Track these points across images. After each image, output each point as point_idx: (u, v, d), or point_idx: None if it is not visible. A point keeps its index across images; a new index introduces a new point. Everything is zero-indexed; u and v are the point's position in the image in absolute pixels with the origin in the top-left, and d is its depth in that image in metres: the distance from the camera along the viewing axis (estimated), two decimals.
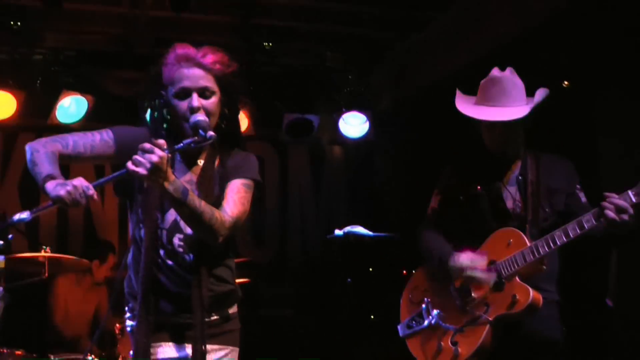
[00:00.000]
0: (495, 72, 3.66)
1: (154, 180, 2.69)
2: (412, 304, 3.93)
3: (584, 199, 3.60)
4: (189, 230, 2.94)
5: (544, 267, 3.48)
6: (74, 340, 6.26)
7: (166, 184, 2.71)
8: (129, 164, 2.65)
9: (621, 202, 3.21)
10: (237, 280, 3.16)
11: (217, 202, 2.93)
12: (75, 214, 7.17)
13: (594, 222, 3.29)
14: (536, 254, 3.43)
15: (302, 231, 7.89)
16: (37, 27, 6.21)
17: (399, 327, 3.96)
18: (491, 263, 3.59)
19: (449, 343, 3.65)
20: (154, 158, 2.64)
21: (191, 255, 2.95)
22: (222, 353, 3.01)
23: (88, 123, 6.40)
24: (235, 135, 3.13)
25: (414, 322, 3.88)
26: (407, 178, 7.15)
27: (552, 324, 3.60)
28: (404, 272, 6.25)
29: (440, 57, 6.25)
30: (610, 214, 3.21)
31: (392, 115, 7.27)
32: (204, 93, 2.94)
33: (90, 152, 2.95)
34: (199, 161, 3.04)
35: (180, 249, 2.95)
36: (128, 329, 3.05)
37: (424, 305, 3.84)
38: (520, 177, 3.68)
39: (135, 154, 2.66)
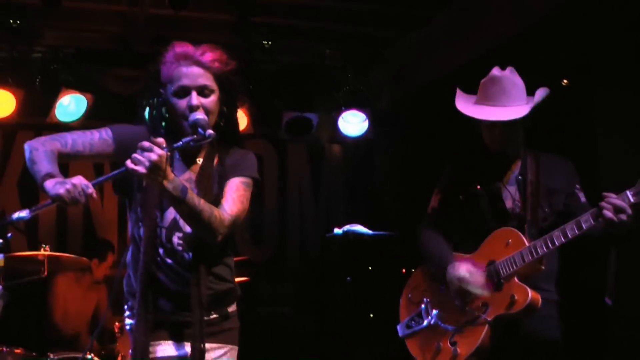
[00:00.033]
0: (496, 71, 3.65)
1: (153, 179, 2.69)
2: (412, 304, 3.93)
3: (583, 199, 3.59)
4: (188, 229, 2.94)
5: (543, 267, 3.48)
6: (74, 338, 6.26)
7: (165, 183, 2.71)
8: (128, 163, 2.65)
9: (619, 202, 3.21)
10: (237, 279, 3.16)
11: (216, 201, 2.93)
12: (75, 213, 7.17)
13: (592, 222, 3.28)
14: (535, 254, 3.43)
15: (302, 230, 7.89)
16: (36, 25, 6.20)
17: (398, 327, 3.96)
18: (490, 263, 3.59)
19: (448, 343, 3.65)
20: (153, 156, 2.64)
21: (190, 254, 2.95)
22: (221, 351, 3.01)
23: (87, 121, 6.39)
24: (234, 134, 3.13)
25: (413, 322, 3.88)
26: (407, 176, 7.15)
27: (551, 324, 3.60)
28: (404, 270, 6.25)
29: (439, 55, 6.25)
30: (608, 214, 3.21)
31: (392, 114, 7.27)
32: (203, 91, 2.94)
33: (89, 151, 2.95)
34: (197, 160, 3.04)
35: (180, 248, 2.95)
36: (127, 327, 3.05)
37: (423, 305, 3.84)
38: (519, 177, 3.67)
39: (134, 152, 2.66)
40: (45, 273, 5.29)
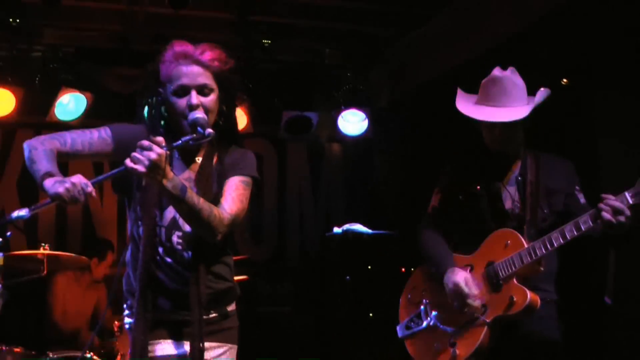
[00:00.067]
0: (497, 71, 3.65)
1: (153, 178, 2.69)
2: (411, 305, 3.93)
3: (582, 200, 3.59)
4: (187, 228, 2.94)
5: (542, 268, 3.48)
6: (73, 336, 6.26)
7: (165, 181, 2.71)
8: (128, 161, 2.65)
9: (618, 204, 3.21)
10: (236, 278, 3.16)
11: (216, 200, 2.93)
12: (74, 212, 7.16)
13: (590, 223, 3.28)
14: (533, 255, 3.43)
15: (301, 229, 7.89)
16: (36, 24, 6.20)
17: (397, 327, 3.96)
18: (489, 264, 3.59)
19: (447, 344, 3.65)
20: (153, 155, 2.64)
21: (189, 253, 2.95)
22: (220, 350, 3.01)
23: (87, 120, 6.39)
24: (233, 133, 3.13)
25: (412, 323, 3.88)
26: (406, 175, 7.15)
27: (550, 324, 3.60)
28: (403, 269, 6.26)
29: (439, 54, 6.24)
30: (607, 215, 3.20)
31: (392, 113, 7.27)
32: (202, 90, 2.94)
33: (88, 150, 2.95)
34: (197, 159, 3.04)
35: (179, 247, 2.96)
36: (126, 326, 3.05)
37: (422, 307, 3.84)
38: (519, 178, 3.67)
39: (133, 151, 2.66)
40: (45, 272, 5.28)
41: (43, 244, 5.37)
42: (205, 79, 2.95)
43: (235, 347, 3.08)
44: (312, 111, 7.12)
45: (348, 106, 7.00)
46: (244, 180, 3.01)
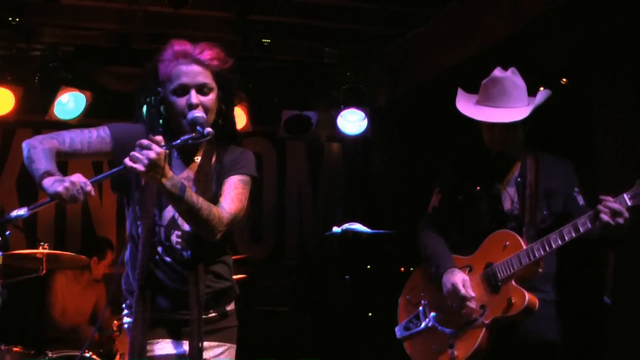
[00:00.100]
0: (497, 72, 3.64)
1: (152, 177, 2.69)
2: (410, 305, 3.93)
3: (581, 202, 3.59)
4: (186, 227, 2.94)
5: (540, 269, 3.48)
6: (73, 330, 6.25)
7: (164, 180, 2.72)
8: (127, 160, 2.65)
9: (616, 206, 3.21)
10: (234, 277, 3.16)
11: (215, 199, 2.94)
12: (74, 211, 7.16)
13: (589, 225, 3.28)
14: (532, 256, 3.43)
15: (300, 228, 7.88)
16: (35, 23, 6.20)
17: (396, 328, 3.96)
18: (487, 265, 3.60)
19: (446, 345, 3.65)
20: (152, 154, 2.64)
21: (189, 252, 2.95)
22: (219, 350, 3.02)
23: (86, 119, 6.39)
24: (232, 132, 3.13)
25: (411, 323, 3.88)
26: (405, 175, 7.15)
27: (549, 324, 3.60)
28: (402, 269, 6.26)
29: (438, 53, 6.25)
30: (605, 217, 3.20)
31: (391, 112, 7.27)
32: (202, 89, 2.94)
33: (87, 149, 2.95)
34: (196, 158, 3.04)
35: (178, 246, 2.95)
36: (125, 326, 3.05)
37: (421, 307, 3.84)
38: (519, 179, 3.67)
39: (132, 150, 2.66)
40: (44, 271, 5.28)
41: (42, 243, 5.37)
42: (205, 78, 2.95)
43: (234, 346, 3.08)
44: (311, 110, 7.12)
45: (347, 105, 7.00)
46: (243, 179, 3.01)
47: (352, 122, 7.14)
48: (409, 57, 6.71)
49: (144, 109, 3.01)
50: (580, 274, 4.91)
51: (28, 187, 6.65)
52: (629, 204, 3.21)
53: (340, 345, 6.81)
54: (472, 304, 3.55)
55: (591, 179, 4.67)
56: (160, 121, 2.99)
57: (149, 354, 2.92)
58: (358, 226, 4.86)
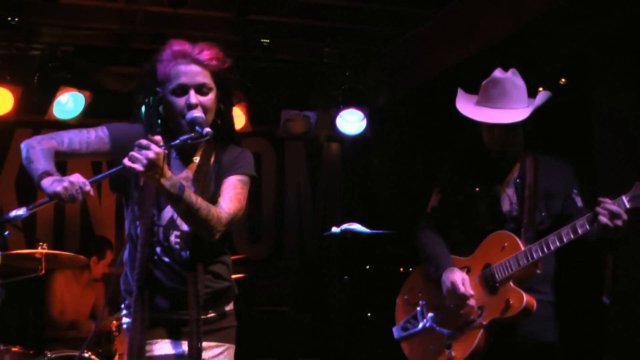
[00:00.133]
0: (498, 72, 3.64)
1: (151, 177, 2.69)
2: (408, 306, 3.93)
3: (580, 203, 3.59)
4: (185, 227, 2.94)
5: (538, 270, 3.48)
6: (71, 334, 6.25)
7: (162, 180, 2.71)
8: (126, 160, 2.65)
9: (615, 208, 3.20)
10: (233, 276, 3.16)
11: (213, 199, 2.93)
12: (72, 211, 7.16)
13: (587, 227, 3.28)
14: (530, 258, 3.43)
15: (299, 228, 7.89)
16: (34, 23, 6.19)
17: (394, 329, 3.96)
18: (486, 266, 3.59)
19: (443, 346, 3.64)
20: (151, 154, 2.63)
21: (188, 252, 2.95)
22: (218, 350, 3.01)
23: (86, 119, 6.38)
24: (230, 131, 3.12)
25: (409, 324, 3.88)
26: (404, 175, 7.15)
27: (547, 325, 3.60)
28: (401, 269, 6.26)
29: (438, 53, 6.24)
30: (604, 219, 3.20)
31: (390, 112, 7.27)
32: (201, 89, 2.94)
33: (85, 149, 2.95)
34: (194, 158, 3.04)
35: (177, 246, 2.95)
36: (124, 326, 3.05)
37: (419, 308, 3.84)
38: (518, 180, 3.67)
39: (131, 150, 2.66)
40: (43, 271, 5.28)
41: (41, 243, 5.36)
42: (204, 78, 2.95)
43: (233, 346, 3.08)
44: (311, 110, 7.12)
45: (346, 105, 6.99)
46: (241, 179, 3.01)
47: (351, 122, 7.14)
48: (408, 57, 6.71)
49: (143, 109, 3.01)
50: (579, 274, 4.90)
51: (27, 187, 6.64)
52: (628, 206, 3.20)
53: (339, 345, 6.81)
54: (472, 303, 3.54)
55: (591, 179, 4.67)
56: (159, 121, 2.99)
57: (147, 354, 2.91)
58: (357, 226, 4.85)
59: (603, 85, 5.12)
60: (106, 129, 2.99)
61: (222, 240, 3.00)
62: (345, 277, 6.19)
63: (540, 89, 3.67)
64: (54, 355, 5.25)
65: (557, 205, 3.61)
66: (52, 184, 2.65)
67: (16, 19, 5.81)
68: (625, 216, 3.19)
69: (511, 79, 3.60)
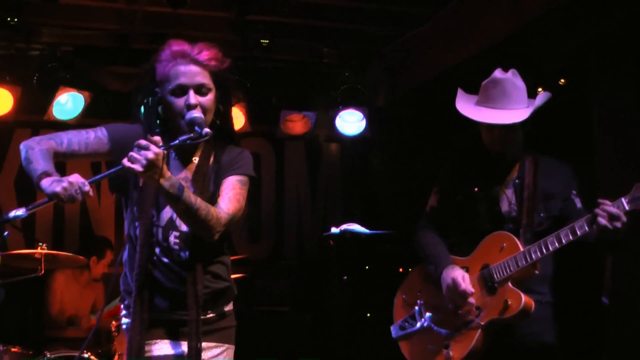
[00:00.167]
0: (498, 73, 3.63)
1: (150, 177, 2.69)
2: (406, 305, 3.93)
3: (579, 205, 3.58)
4: (184, 227, 2.94)
5: (537, 271, 3.48)
6: (71, 332, 6.25)
7: (162, 181, 2.71)
8: (125, 161, 2.65)
9: (614, 210, 3.20)
10: (233, 276, 3.16)
11: (213, 199, 2.93)
12: (72, 211, 7.16)
13: (586, 228, 3.28)
14: (528, 259, 3.43)
15: (299, 228, 7.88)
16: (34, 23, 6.19)
17: (392, 328, 3.96)
18: (484, 267, 3.59)
19: (441, 346, 3.64)
20: (150, 154, 2.63)
21: (187, 252, 2.95)
22: (217, 350, 3.01)
23: (85, 119, 6.38)
24: (229, 132, 3.12)
25: (407, 323, 3.88)
26: (404, 175, 7.15)
27: (546, 326, 3.60)
28: (401, 269, 6.26)
29: (437, 53, 6.24)
30: (603, 221, 3.20)
31: (389, 112, 7.27)
32: (200, 90, 2.94)
33: (84, 150, 2.95)
34: (193, 158, 3.04)
35: (176, 246, 2.95)
36: (124, 326, 3.05)
37: (417, 307, 3.84)
38: (517, 181, 3.66)
39: (130, 150, 2.66)
40: (42, 271, 5.27)
41: (40, 243, 5.36)
42: (203, 78, 2.94)
43: (232, 346, 3.08)
44: (310, 110, 7.11)
45: (346, 106, 6.99)
46: (240, 179, 3.01)
47: (350, 122, 7.14)
48: (408, 57, 6.71)
49: (142, 109, 3.01)
50: (578, 275, 4.90)
51: (26, 187, 6.60)
52: (627, 208, 3.20)
53: (339, 345, 6.80)
54: (472, 300, 3.54)
55: (590, 179, 4.67)
56: (158, 121, 2.99)
57: (147, 354, 2.91)
58: (356, 227, 4.85)
59: (603, 86, 5.12)
60: (105, 130, 2.99)
61: (222, 241, 3.00)
62: (345, 277, 6.19)
63: (540, 89, 3.66)
64: (53, 356, 5.24)
65: (556, 206, 3.60)
66: (52, 184, 2.65)
67: (16, 19, 5.81)
68: (624, 218, 3.19)
69: (511, 79, 3.60)
